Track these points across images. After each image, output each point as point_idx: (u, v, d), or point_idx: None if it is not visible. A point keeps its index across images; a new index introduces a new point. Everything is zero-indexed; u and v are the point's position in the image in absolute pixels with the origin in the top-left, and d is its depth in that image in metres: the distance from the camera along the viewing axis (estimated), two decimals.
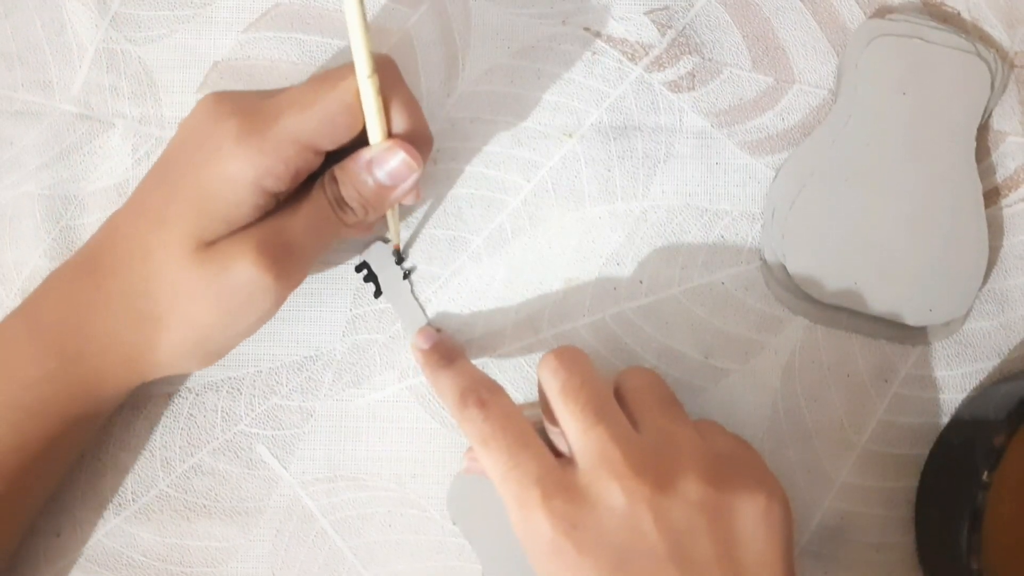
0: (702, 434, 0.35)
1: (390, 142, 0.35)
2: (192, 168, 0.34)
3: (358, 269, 0.40)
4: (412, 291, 0.40)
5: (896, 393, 0.40)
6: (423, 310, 0.40)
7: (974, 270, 0.40)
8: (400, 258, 0.40)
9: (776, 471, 0.40)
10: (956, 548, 0.35)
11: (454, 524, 0.39)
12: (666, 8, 0.42)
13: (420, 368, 0.39)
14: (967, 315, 0.40)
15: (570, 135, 0.41)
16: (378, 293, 0.40)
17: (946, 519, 0.37)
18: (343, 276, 0.40)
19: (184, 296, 0.34)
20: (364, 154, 0.36)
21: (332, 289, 0.40)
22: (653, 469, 0.32)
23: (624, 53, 0.42)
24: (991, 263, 0.41)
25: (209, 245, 0.34)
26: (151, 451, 0.39)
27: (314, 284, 0.40)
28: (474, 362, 0.40)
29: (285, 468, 0.40)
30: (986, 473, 0.34)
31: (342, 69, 0.35)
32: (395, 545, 0.39)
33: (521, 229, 0.41)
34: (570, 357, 0.34)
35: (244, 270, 0.34)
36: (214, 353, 0.37)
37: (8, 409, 0.34)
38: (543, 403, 0.35)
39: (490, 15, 0.41)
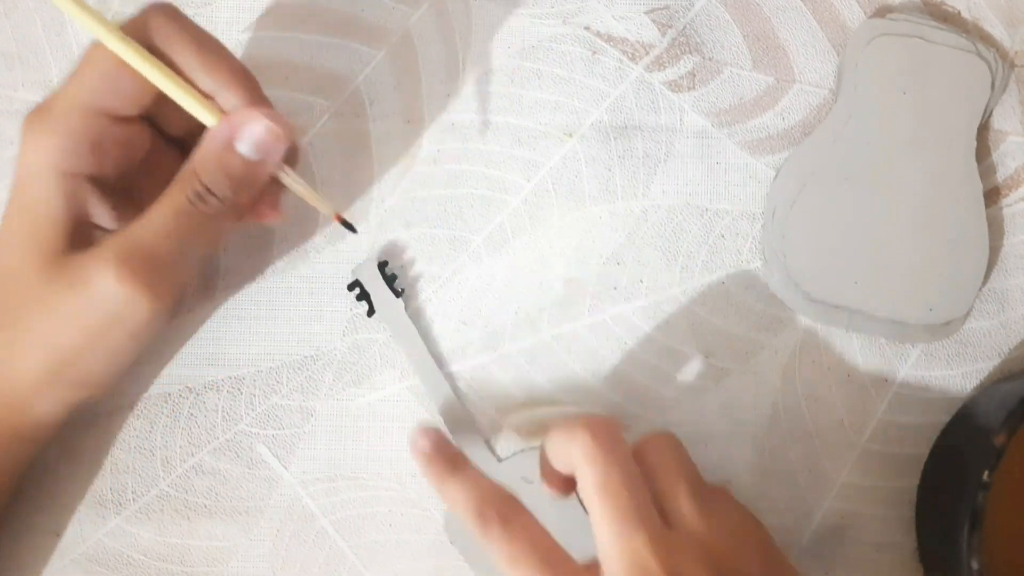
0: (716, 512, 0.33)
1: (249, 111, 0.33)
2: (14, 179, 0.33)
3: (350, 288, 0.40)
4: (406, 310, 0.40)
5: (896, 393, 0.40)
6: (416, 330, 0.40)
7: (974, 270, 0.40)
8: (385, 273, 0.39)
9: (776, 471, 0.40)
10: (956, 548, 0.35)
11: (452, 544, 0.39)
12: (666, 7, 0.42)
13: (421, 471, 0.35)
14: (967, 315, 0.40)
15: (570, 135, 0.41)
16: (371, 312, 0.40)
17: (946, 519, 0.37)
18: (343, 275, 0.40)
19: (38, 316, 0.32)
20: (217, 132, 0.33)
21: (332, 289, 0.40)
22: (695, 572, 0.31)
23: (624, 53, 0.42)
24: (991, 263, 0.41)
25: (62, 259, 0.32)
26: (151, 451, 0.39)
27: (314, 284, 0.40)
28: (474, 362, 0.40)
29: (285, 468, 0.40)
30: (986, 473, 0.34)
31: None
32: (395, 545, 0.39)
33: (521, 229, 0.41)
34: (608, 439, 0.32)
35: (105, 285, 0.32)
36: (84, 381, 0.35)
37: None
38: (546, 463, 0.34)
39: (490, 15, 0.41)
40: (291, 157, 0.36)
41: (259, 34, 0.41)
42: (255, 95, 0.35)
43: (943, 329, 0.40)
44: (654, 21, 0.42)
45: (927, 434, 0.40)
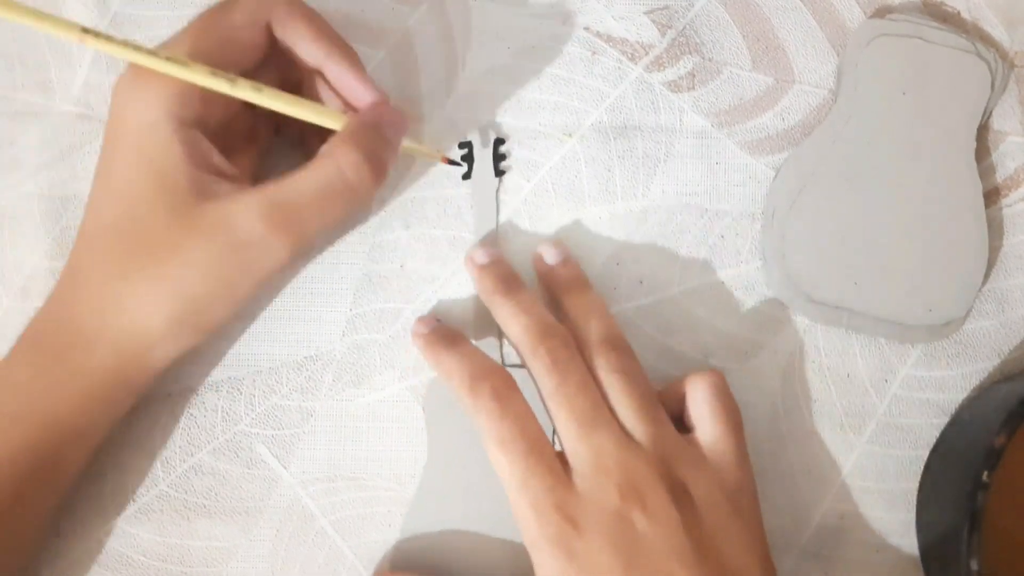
0: (661, 422, 0.35)
1: (381, 100, 0.36)
2: (119, 131, 0.34)
3: (461, 146, 0.40)
4: (497, 191, 0.40)
5: (896, 393, 0.40)
6: (497, 214, 0.40)
7: (974, 270, 0.40)
8: (497, 151, 0.40)
9: (776, 471, 0.40)
10: (956, 549, 0.35)
11: (423, 411, 0.39)
12: (666, 8, 0.42)
13: (422, 353, 0.39)
14: (967, 315, 0.40)
15: (570, 135, 0.41)
16: (467, 175, 0.40)
17: (946, 519, 0.37)
18: (343, 275, 0.40)
19: (171, 264, 0.33)
20: (367, 118, 0.36)
21: (332, 289, 0.40)
22: (653, 479, 0.33)
23: (624, 53, 0.42)
24: (991, 263, 0.41)
25: (196, 207, 0.33)
26: (151, 451, 0.39)
27: (314, 284, 0.40)
28: None
29: (285, 468, 0.40)
30: (986, 473, 0.34)
31: None
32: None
33: (521, 229, 0.41)
34: (565, 359, 0.35)
35: (251, 230, 0.33)
36: (207, 327, 0.36)
37: None
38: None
39: (490, 15, 0.41)
40: None
41: None
42: (359, 68, 0.37)
43: (943, 329, 0.40)
44: (654, 21, 0.42)
45: (927, 434, 0.40)
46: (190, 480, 0.39)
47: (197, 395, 0.40)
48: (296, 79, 0.38)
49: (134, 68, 0.34)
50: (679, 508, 0.33)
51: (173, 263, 0.34)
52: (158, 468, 0.39)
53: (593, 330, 0.36)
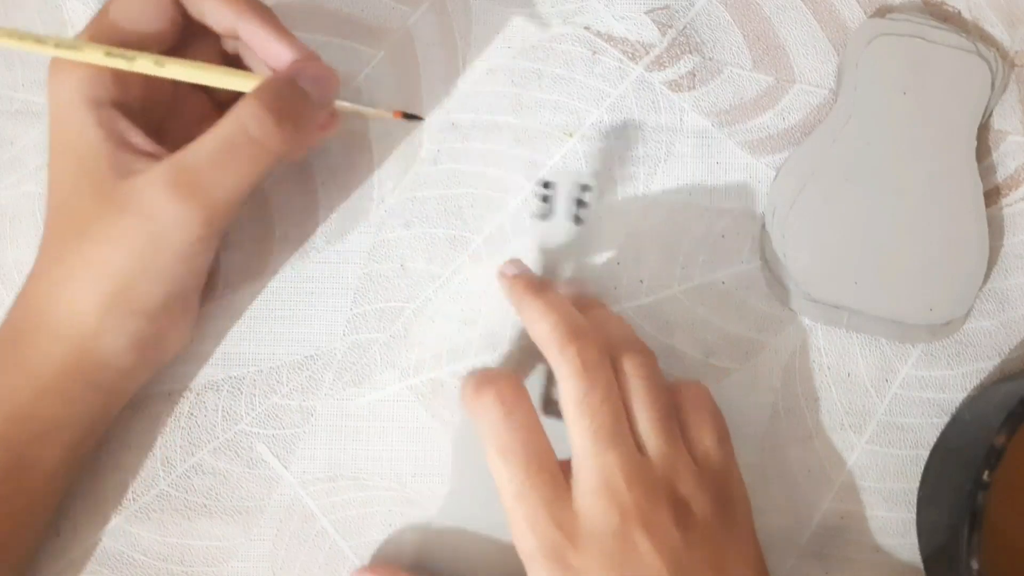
0: (682, 447, 0.34)
1: (309, 57, 0.35)
2: (50, 120, 0.35)
3: (546, 185, 0.39)
4: (567, 237, 0.40)
5: (896, 393, 0.40)
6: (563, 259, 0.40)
7: (974, 269, 0.40)
8: (582, 198, 0.39)
9: (776, 471, 0.40)
10: (956, 548, 0.35)
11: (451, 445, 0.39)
12: (667, 7, 0.42)
13: (505, 293, 0.38)
14: (967, 315, 0.40)
15: (570, 134, 0.41)
16: (546, 217, 0.40)
17: (946, 519, 0.37)
18: (343, 275, 0.40)
19: (90, 246, 0.33)
20: (283, 72, 0.35)
21: (332, 288, 0.40)
22: (658, 500, 0.33)
23: (625, 52, 0.42)
24: (991, 262, 0.41)
25: (111, 185, 0.33)
26: (151, 450, 0.39)
27: (315, 283, 0.40)
28: (474, 362, 0.40)
29: (286, 467, 0.40)
30: (986, 473, 0.34)
31: None
32: (395, 545, 0.39)
33: (521, 229, 0.41)
34: (594, 359, 0.34)
35: (156, 203, 0.33)
36: (141, 308, 0.34)
37: None
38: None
39: (490, 15, 0.41)
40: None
41: None
42: (278, 27, 0.36)
43: (943, 329, 0.40)
44: (654, 21, 0.42)
45: (927, 434, 0.40)
46: (190, 479, 0.39)
47: (197, 395, 0.40)
48: (232, 51, 0.37)
49: (54, 58, 0.34)
50: (681, 528, 0.32)
51: (97, 245, 0.33)
52: (158, 467, 0.39)
53: (615, 331, 0.36)
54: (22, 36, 0.34)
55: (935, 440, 0.40)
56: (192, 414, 0.40)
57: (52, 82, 0.34)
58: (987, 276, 0.40)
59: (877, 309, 0.39)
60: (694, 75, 0.41)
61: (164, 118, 0.37)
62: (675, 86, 0.41)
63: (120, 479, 0.39)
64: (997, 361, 0.41)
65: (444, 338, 0.40)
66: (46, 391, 0.34)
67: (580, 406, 0.33)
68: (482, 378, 0.34)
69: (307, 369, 0.40)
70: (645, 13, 0.42)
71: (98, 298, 0.34)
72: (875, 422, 0.40)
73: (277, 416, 0.40)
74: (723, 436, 0.35)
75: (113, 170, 0.33)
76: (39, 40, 0.34)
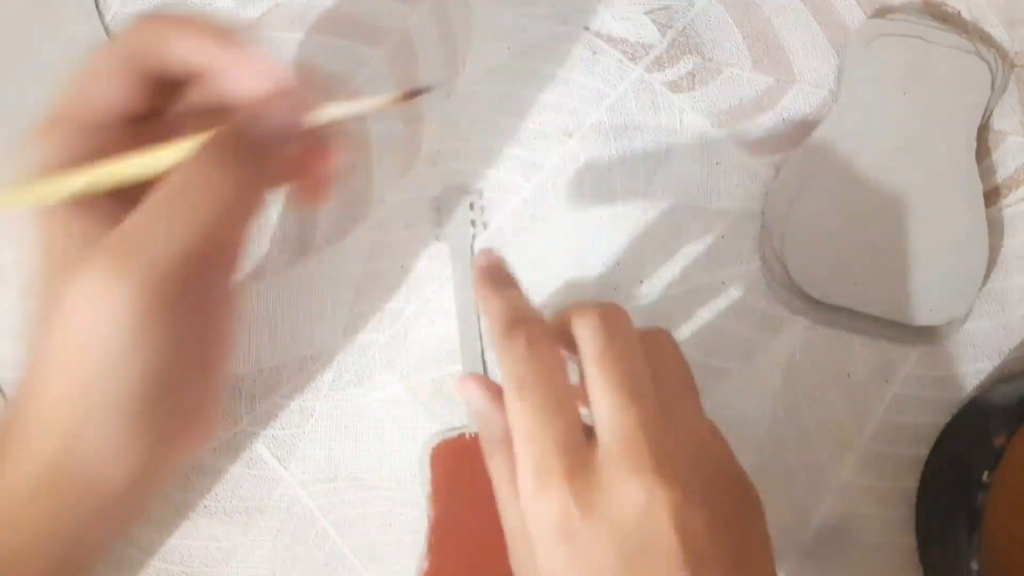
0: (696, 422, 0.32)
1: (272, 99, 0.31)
2: None
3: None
4: (472, 246, 0.40)
5: (896, 393, 0.40)
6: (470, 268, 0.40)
7: (974, 270, 0.40)
8: (472, 205, 0.40)
9: (776, 471, 0.40)
10: (956, 548, 0.35)
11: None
12: (666, 8, 0.42)
13: (474, 282, 0.35)
14: (967, 315, 0.40)
15: (570, 135, 0.41)
16: (440, 236, 0.40)
17: (946, 519, 0.37)
18: (344, 275, 0.40)
19: (48, 338, 0.30)
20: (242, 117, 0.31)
21: (333, 288, 0.40)
22: (680, 471, 0.29)
23: (624, 53, 0.42)
24: (991, 263, 0.41)
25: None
26: None
27: (315, 283, 0.40)
28: None
29: (285, 468, 0.40)
30: (986, 473, 0.34)
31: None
32: (395, 545, 0.39)
33: (521, 229, 0.41)
34: (615, 318, 0.30)
35: (79, 287, 0.28)
36: (117, 409, 0.29)
37: None
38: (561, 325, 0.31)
39: (490, 15, 0.41)
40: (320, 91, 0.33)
41: (258, 35, 0.41)
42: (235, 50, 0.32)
43: (943, 329, 0.40)
44: (654, 21, 0.42)
45: (927, 434, 0.40)
46: (190, 479, 0.39)
47: None
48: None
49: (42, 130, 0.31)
50: (706, 512, 0.28)
51: (52, 344, 0.30)
52: None
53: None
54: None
55: (935, 440, 0.40)
56: None
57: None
58: (987, 276, 0.40)
59: (877, 309, 0.39)
60: (694, 75, 0.42)
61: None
62: (675, 86, 0.41)
63: None
64: (997, 361, 0.41)
65: (444, 339, 0.40)
66: (31, 498, 0.30)
67: (602, 358, 0.29)
68: (515, 320, 0.31)
69: (307, 369, 0.40)
70: (645, 14, 0.42)
71: (69, 392, 0.29)
72: (875, 422, 0.40)
73: (277, 416, 0.40)
74: (691, 391, 0.32)
75: (62, 272, 0.30)
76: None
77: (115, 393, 0.29)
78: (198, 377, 0.32)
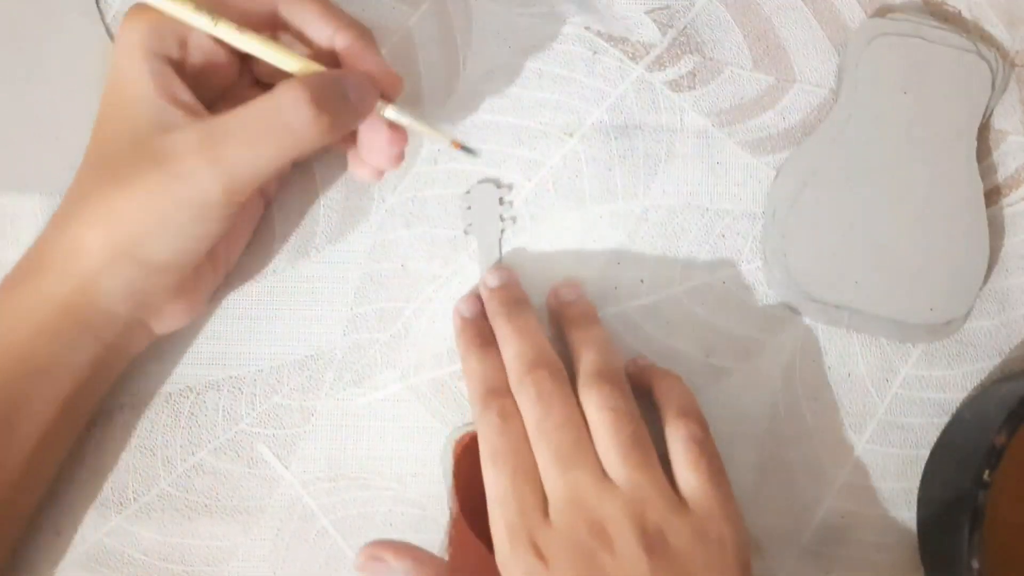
0: (649, 468, 0.35)
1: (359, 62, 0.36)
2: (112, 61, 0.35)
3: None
4: (500, 240, 0.40)
5: (896, 393, 0.40)
6: (500, 258, 0.40)
7: (975, 269, 0.40)
8: (501, 200, 0.40)
9: (776, 471, 0.40)
10: (956, 548, 0.35)
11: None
12: (667, 7, 0.42)
13: (454, 334, 0.39)
14: (968, 314, 0.40)
15: (571, 134, 0.41)
16: (469, 230, 0.41)
17: (946, 519, 0.37)
18: (344, 275, 0.40)
19: (113, 192, 0.34)
20: (335, 70, 0.35)
21: (333, 288, 0.40)
22: (622, 522, 0.33)
23: (625, 52, 0.42)
24: (992, 262, 0.41)
25: (148, 138, 0.33)
26: (152, 450, 0.39)
27: (315, 283, 0.40)
28: None
29: (286, 467, 0.40)
30: (986, 473, 0.34)
31: None
32: None
33: (521, 229, 0.41)
34: (549, 392, 0.35)
35: (182, 156, 0.33)
36: (148, 261, 0.35)
37: None
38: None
39: (491, 14, 0.41)
40: (391, 96, 0.37)
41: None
42: (368, 41, 0.36)
43: (943, 329, 0.40)
44: (654, 21, 0.42)
45: (927, 434, 0.40)
46: (191, 479, 0.39)
47: (198, 394, 0.40)
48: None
49: (134, 4, 0.35)
50: (649, 554, 0.33)
51: (119, 191, 0.34)
52: (159, 467, 0.39)
53: (589, 363, 0.36)
54: None
55: (935, 440, 0.40)
56: (192, 414, 0.40)
57: (122, 27, 0.35)
58: (987, 276, 0.40)
59: (877, 309, 0.39)
60: (694, 75, 0.42)
61: (215, 99, 0.37)
62: (675, 86, 0.41)
63: (120, 479, 0.39)
64: (997, 361, 0.41)
65: (444, 338, 0.40)
66: (42, 331, 0.34)
67: (537, 431, 0.35)
68: (490, 392, 0.36)
69: (307, 369, 0.40)
70: (645, 13, 0.42)
71: (104, 240, 0.34)
72: (875, 422, 0.40)
73: (277, 416, 0.40)
74: (712, 474, 0.35)
75: (154, 123, 0.34)
76: None
77: (148, 253, 0.34)
78: (207, 266, 0.37)
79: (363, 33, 0.36)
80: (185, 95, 0.35)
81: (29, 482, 0.36)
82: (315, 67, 0.35)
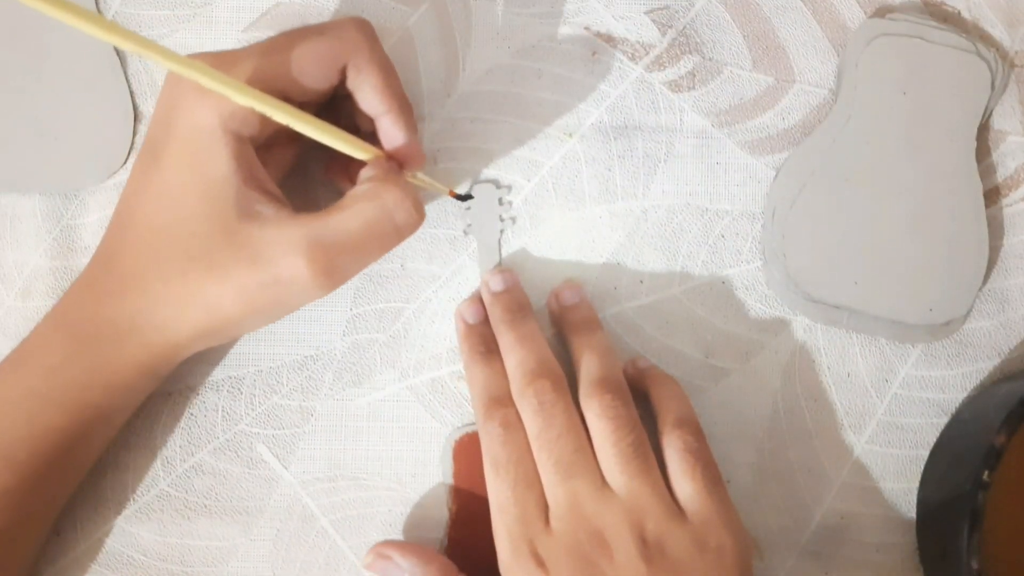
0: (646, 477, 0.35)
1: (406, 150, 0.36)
2: (170, 132, 0.34)
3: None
4: (500, 240, 0.40)
5: (896, 393, 0.40)
6: (499, 259, 0.40)
7: (974, 269, 0.40)
8: (500, 201, 0.41)
9: (776, 471, 0.40)
10: (956, 548, 0.35)
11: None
12: (666, 7, 0.42)
13: (457, 339, 0.40)
14: (967, 315, 0.40)
15: (570, 135, 0.41)
16: (468, 230, 0.41)
17: (946, 519, 0.37)
18: None
19: (209, 280, 0.34)
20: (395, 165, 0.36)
21: None
22: (621, 531, 0.34)
23: (625, 53, 0.42)
24: (991, 262, 0.41)
25: (240, 228, 0.33)
26: (151, 450, 0.39)
27: None
28: None
29: (286, 467, 0.40)
30: (986, 473, 0.34)
31: (320, 25, 0.35)
32: None
33: (521, 229, 0.41)
34: (551, 401, 0.36)
35: (292, 269, 0.33)
36: (231, 337, 0.38)
37: (24, 397, 0.34)
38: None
39: (490, 15, 0.41)
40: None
41: (258, 34, 0.41)
42: (408, 116, 0.37)
43: (943, 329, 0.40)
44: (654, 21, 0.42)
45: (926, 434, 0.40)
46: (190, 479, 0.39)
47: (198, 394, 0.40)
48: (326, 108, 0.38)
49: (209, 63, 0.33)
50: (648, 563, 0.33)
51: (210, 280, 0.34)
52: (158, 467, 0.39)
53: (590, 370, 0.37)
54: (189, 63, 0.32)
55: (935, 440, 0.40)
56: (192, 414, 0.40)
57: (191, 99, 0.33)
58: (987, 276, 0.40)
59: (877, 309, 0.39)
60: (694, 75, 0.42)
61: (269, 157, 0.37)
62: (675, 86, 0.41)
63: (120, 479, 0.39)
64: (997, 361, 0.41)
65: (444, 338, 0.40)
66: (119, 388, 0.35)
67: (538, 440, 0.35)
68: (493, 401, 0.37)
69: (307, 369, 0.40)
70: (645, 13, 0.42)
71: (197, 324, 0.35)
72: (875, 422, 0.40)
73: (277, 416, 0.40)
74: (709, 481, 0.35)
75: (241, 209, 0.33)
76: (204, 72, 0.32)
77: (235, 335, 0.38)
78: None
79: (406, 107, 0.36)
80: (264, 178, 0.35)
81: (66, 499, 0.38)
82: (376, 151, 0.36)
